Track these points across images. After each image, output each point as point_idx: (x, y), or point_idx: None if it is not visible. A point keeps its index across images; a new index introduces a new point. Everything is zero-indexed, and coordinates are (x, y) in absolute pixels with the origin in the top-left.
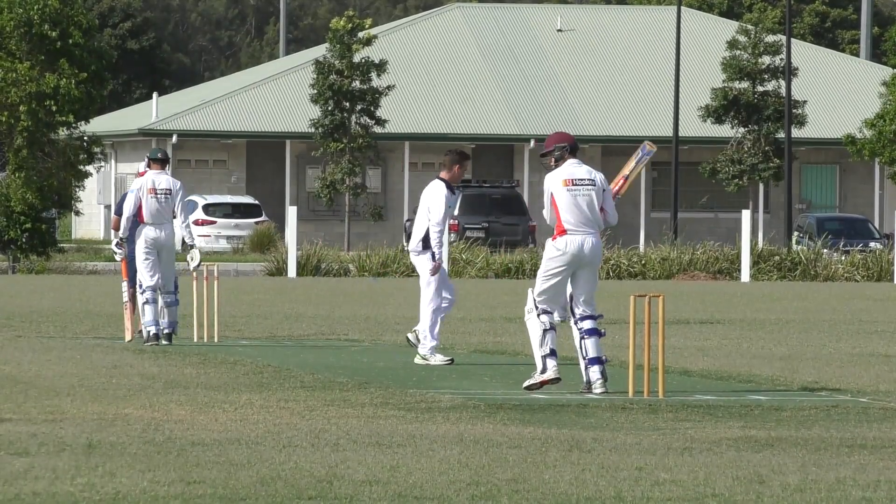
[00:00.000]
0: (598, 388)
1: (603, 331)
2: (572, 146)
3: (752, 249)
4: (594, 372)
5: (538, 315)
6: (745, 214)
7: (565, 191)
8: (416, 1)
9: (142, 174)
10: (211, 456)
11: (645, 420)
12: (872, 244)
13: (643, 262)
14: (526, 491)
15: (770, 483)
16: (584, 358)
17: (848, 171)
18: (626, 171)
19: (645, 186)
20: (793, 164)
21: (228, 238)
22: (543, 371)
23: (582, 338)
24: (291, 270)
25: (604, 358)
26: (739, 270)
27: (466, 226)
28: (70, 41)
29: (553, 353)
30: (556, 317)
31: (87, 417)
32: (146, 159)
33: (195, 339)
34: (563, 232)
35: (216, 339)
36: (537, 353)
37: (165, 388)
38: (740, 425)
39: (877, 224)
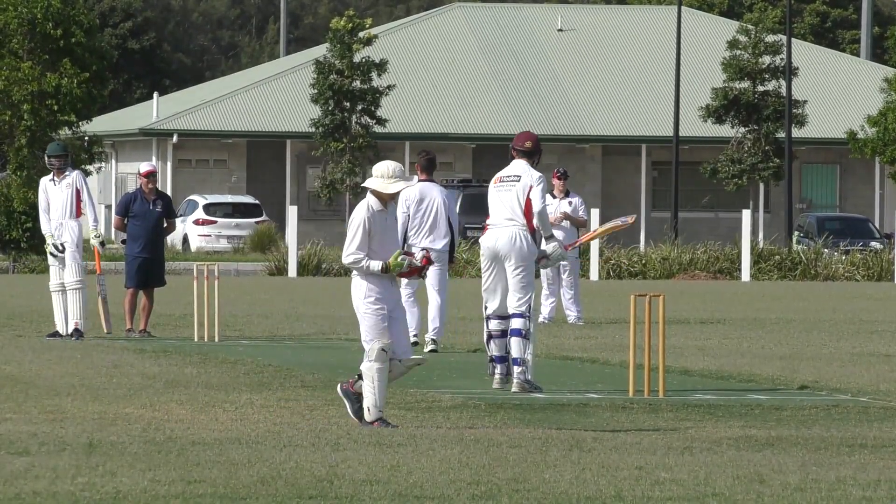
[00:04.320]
0: (515, 388)
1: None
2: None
3: (752, 249)
4: (513, 369)
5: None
6: (746, 214)
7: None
8: (417, 1)
9: (145, 174)
10: (211, 455)
11: (645, 420)
12: (873, 244)
13: (643, 261)
14: (526, 490)
15: (770, 482)
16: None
17: (848, 171)
18: (599, 229)
19: (645, 186)
20: (793, 164)
21: (229, 238)
22: (492, 374)
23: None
24: (292, 270)
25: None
26: (740, 270)
27: (467, 225)
28: (73, 40)
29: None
30: (543, 317)
31: (88, 417)
32: (63, 159)
33: (195, 339)
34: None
35: (217, 339)
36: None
37: (166, 388)
38: (741, 425)
39: (877, 224)
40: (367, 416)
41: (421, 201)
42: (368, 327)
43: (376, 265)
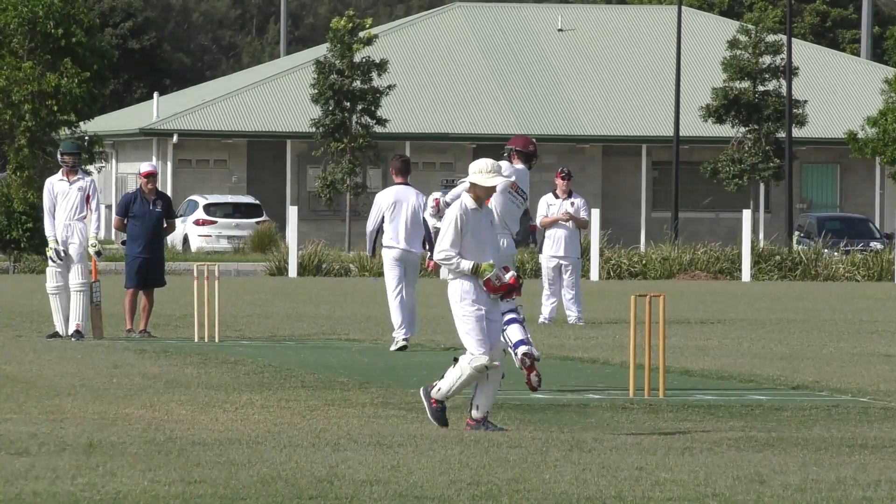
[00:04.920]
0: (523, 361)
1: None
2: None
3: (752, 249)
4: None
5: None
6: (746, 214)
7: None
8: (417, 1)
9: (145, 175)
10: (212, 456)
11: (645, 420)
12: (873, 244)
13: (644, 261)
14: (526, 491)
15: (771, 483)
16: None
17: (848, 171)
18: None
19: (646, 186)
20: (793, 164)
21: (229, 238)
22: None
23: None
24: (292, 270)
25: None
26: (740, 270)
27: None
28: (73, 40)
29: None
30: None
31: (88, 417)
32: (76, 158)
33: (196, 340)
34: None
35: (217, 339)
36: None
37: (166, 388)
38: (741, 425)
39: (877, 224)
40: (434, 393)
41: (397, 204)
42: (470, 330)
43: (467, 265)
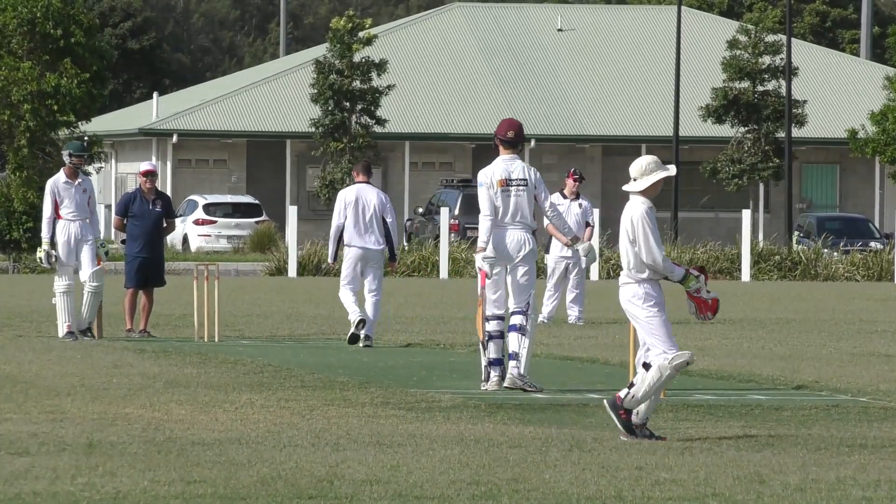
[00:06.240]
0: (507, 383)
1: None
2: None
3: (752, 249)
4: (511, 366)
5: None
6: (746, 214)
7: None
8: (417, 1)
9: (144, 173)
10: (211, 455)
11: None
12: (873, 244)
13: None
14: (526, 490)
15: (770, 482)
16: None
17: (848, 171)
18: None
19: None
20: (793, 164)
21: (229, 238)
22: (487, 380)
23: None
24: (292, 270)
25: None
26: (740, 270)
27: (467, 225)
28: (73, 40)
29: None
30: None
31: (88, 417)
32: (83, 160)
33: (195, 339)
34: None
35: (217, 339)
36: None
37: (166, 388)
38: (741, 425)
39: (877, 224)
40: (628, 402)
41: (357, 202)
42: (657, 330)
43: (680, 272)
